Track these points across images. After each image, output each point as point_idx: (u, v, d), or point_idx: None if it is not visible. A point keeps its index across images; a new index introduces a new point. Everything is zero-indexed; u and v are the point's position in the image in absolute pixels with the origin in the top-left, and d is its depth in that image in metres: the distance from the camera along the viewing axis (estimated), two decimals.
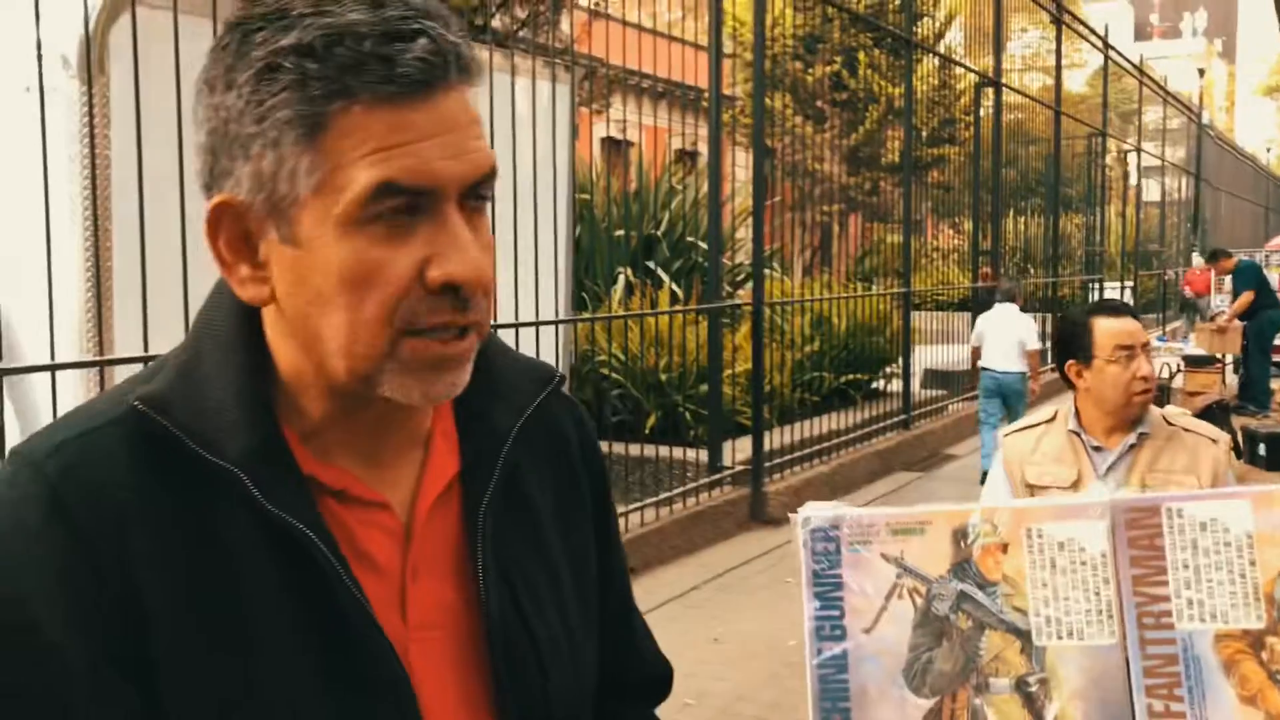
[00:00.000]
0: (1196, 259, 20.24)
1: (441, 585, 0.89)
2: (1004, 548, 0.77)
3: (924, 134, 16.64)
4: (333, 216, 0.79)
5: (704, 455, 7.56)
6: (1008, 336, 8.14)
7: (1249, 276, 12.20)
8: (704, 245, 10.31)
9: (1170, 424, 2.64)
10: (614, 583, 1.06)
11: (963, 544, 0.78)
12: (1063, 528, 0.76)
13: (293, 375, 0.86)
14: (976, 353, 8.48)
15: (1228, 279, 12.46)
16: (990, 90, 12.66)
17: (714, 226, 7.58)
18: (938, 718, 0.74)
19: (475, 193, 0.83)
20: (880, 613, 0.78)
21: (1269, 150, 54.29)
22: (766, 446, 7.72)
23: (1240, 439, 8.12)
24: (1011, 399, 8.16)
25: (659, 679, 1.14)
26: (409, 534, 0.89)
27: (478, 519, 0.90)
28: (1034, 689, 0.74)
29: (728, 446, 7.63)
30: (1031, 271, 19.70)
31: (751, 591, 6.14)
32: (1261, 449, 8.04)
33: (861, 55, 18.48)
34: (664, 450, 7.43)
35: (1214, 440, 2.60)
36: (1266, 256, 15.76)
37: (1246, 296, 11.42)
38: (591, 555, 1.02)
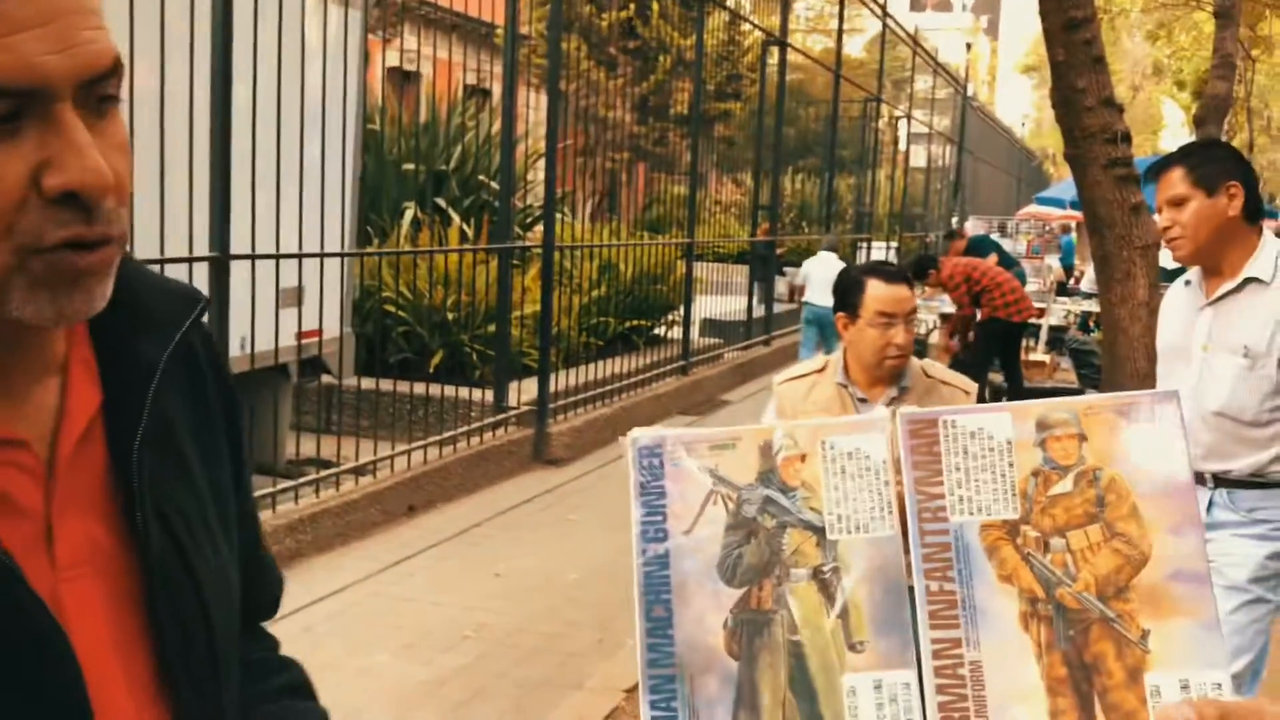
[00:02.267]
0: (954, 223, 21.54)
1: (90, 523, 0.83)
2: (802, 458, 0.89)
3: (711, 88, 17.01)
4: None
5: (489, 395, 7.60)
6: (827, 277, 9.03)
7: (985, 247, 13.15)
8: (494, 185, 10.28)
9: (929, 376, 2.87)
10: (246, 506, 1.03)
11: (767, 456, 0.89)
12: (851, 439, 0.89)
13: None
14: (799, 290, 10.52)
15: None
16: (776, 49, 13.04)
17: (506, 165, 7.57)
18: (746, 603, 0.86)
19: (97, 92, 0.74)
20: (697, 517, 0.88)
21: (1023, 124, 58.07)
22: (551, 388, 7.83)
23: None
24: (826, 329, 9.48)
25: (276, 599, 1.13)
26: (51, 471, 0.81)
27: (131, 456, 0.84)
28: (828, 576, 0.86)
29: (513, 387, 7.70)
30: (805, 228, 20.50)
31: (533, 529, 6.26)
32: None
33: (654, 4, 18.64)
34: (448, 390, 7.43)
35: (966, 391, 2.85)
36: (1017, 224, 16.97)
37: (993, 259, 12.25)
38: (230, 484, 0.97)
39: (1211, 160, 2.91)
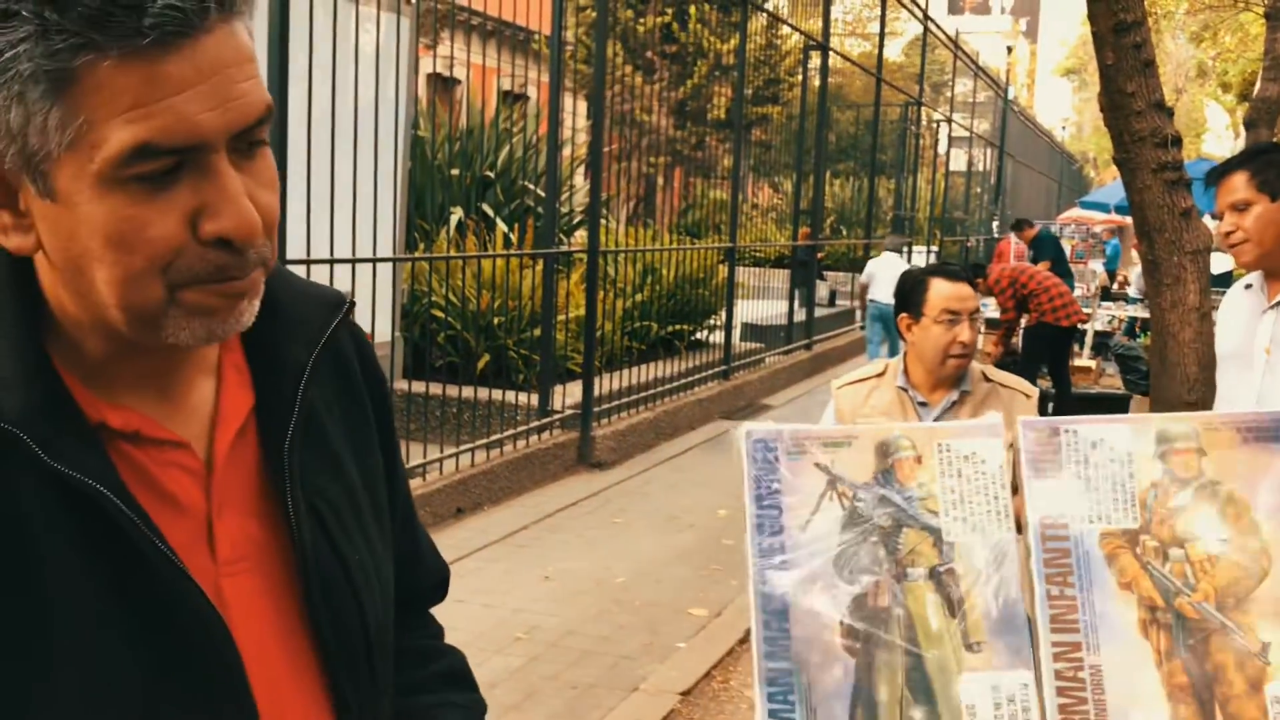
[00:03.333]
0: (995, 227, 21.40)
1: (246, 520, 0.88)
2: (919, 459, 0.90)
3: (749, 92, 17.02)
4: (88, 174, 0.74)
5: (533, 399, 7.64)
6: (892, 276, 9.10)
7: (1048, 246, 13.12)
8: (536, 189, 10.33)
9: (989, 380, 2.88)
10: (399, 494, 1.07)
11: (883, 456, 0.90)
12: (967, 444, 0.91)
13: (70, 320, 0.82)
14: (865, 289, 10.94)
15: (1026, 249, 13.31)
16: (816, 53, 13.03)
17: (552, 170, 7.62)
18: (864, 601, 0.87)
19: (248, 138, 0.79)
20: (814, 512, 0.89)
21: (1063, 128, 57.59)
22: (595, 392, 7.87)
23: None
24: (890, 326, 9.87)
25: (441, 583, 1.17)
26: (210, 469, 0.87)
27: (282, 456, 0.89)
28: (945, 577, 0.88)
29: (557, 390, 7.74)
30: (844, 232, 20.44)
31: (580, 531, 6.29)
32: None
33: (693, 9, 18.68)
34: (494, 393, 7.49)
35: (1027, 395, 2.85)
36: (1060, 229, 16.85)
37: (1045, 265, 12.26)
38: (382, 474, 1.02)
39: (1275, 165, 2.89)
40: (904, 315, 2.85)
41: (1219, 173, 2.97)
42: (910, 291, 2.85)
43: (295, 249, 5.29)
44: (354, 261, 5.70)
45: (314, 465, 0.92)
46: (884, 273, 10.43)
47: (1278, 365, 2.91)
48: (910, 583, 0.88)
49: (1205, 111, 42.17)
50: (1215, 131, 44.57)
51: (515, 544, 6.03)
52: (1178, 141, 5.58)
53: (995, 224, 22.92)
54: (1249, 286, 3.07)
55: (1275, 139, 13.31)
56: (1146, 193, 5.44)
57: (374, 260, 5.88)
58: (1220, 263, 8.07)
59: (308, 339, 0.93)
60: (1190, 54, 32.05)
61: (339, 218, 5.61)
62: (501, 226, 9.17)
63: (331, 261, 5.54)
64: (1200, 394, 5.46)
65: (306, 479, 0.90)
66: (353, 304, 0.99)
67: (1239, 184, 2.87)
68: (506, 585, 5.35)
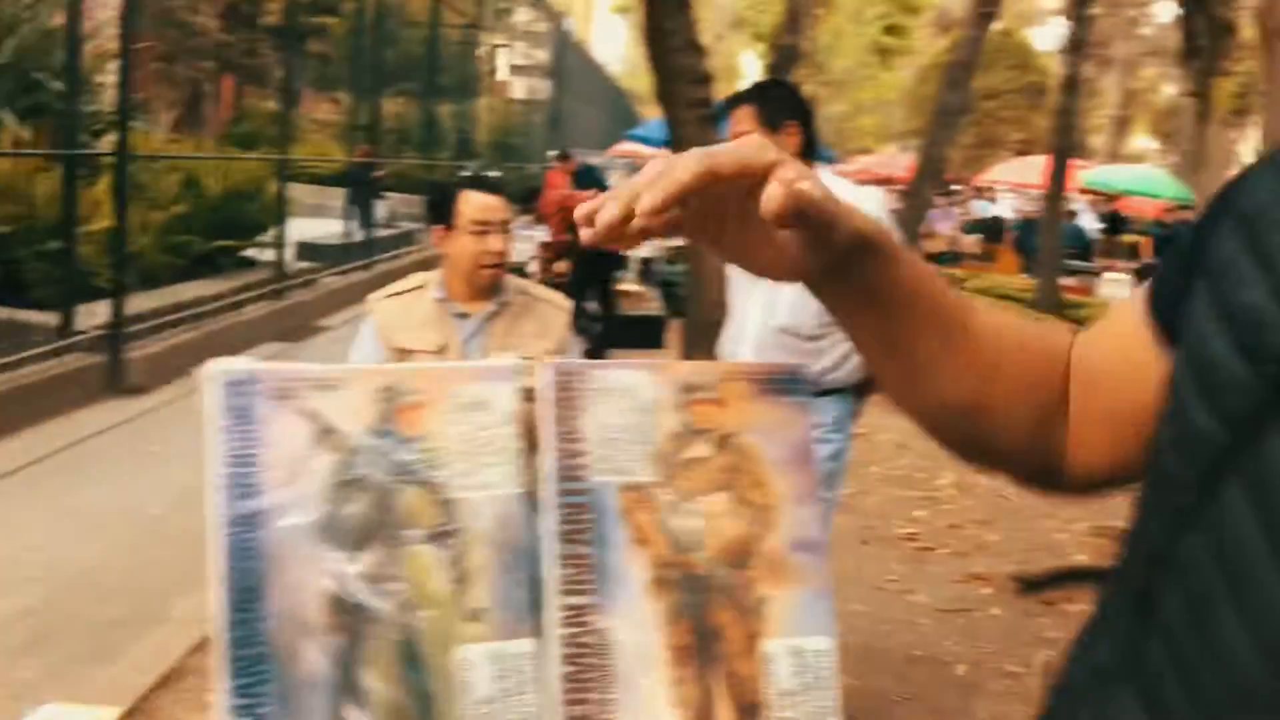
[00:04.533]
0: (552, 156, 22.04)
1: None
2: (422, 406, 0.79)
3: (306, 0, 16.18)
4: None
5: (54, 318, 6.91)
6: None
7: (585, 177, 13.67)
8: (56, 84, 9.24)
9: (525, 294, 2.96)
10: None
11: (383, 402, 0.79)
12: (478, 389, 0.81)
13: None
14: None
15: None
16: None
17: (71, 64, 6.84)
18: (354, 570, 0.76)
19: None
20: (297, 469, 0.76)
21: (619, 65, 60.20)
22: (128, 311, 7.25)
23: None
24: None
25: None
26: None
27: None
28: (446, 538, 0.78)
29: (83, 310, 7.05)
30: (406, 153, 20.18)
31: (110, 462, 5.80)
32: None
33: None
34: (6, 312, 6.69)
35: (562, 309, 2.97)
36: (611, 161, 17.64)
37: (594, 193, 12.77)
38: None
39: (775, 99, 3.19)
40: (438, 227, 2.86)
41: (729, 105, 3.24)
42: (442, 202, 2.86)
43: None
44: None
45: None
46: None
47: (776, 285, 3.22)
48: (407, 547, 0.78)
49: (741, 59, 45.80)
50: (750, 78, 48.57)
51: (30, 477, 5.46)
52: (710, 79, 6.01)
53: (553, 153, 23.60)
54: None
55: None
56: (684, 128, 5.83)
57: None
58: None
59: None
60: (729, 3, 34.62)
61: None
62: (10, 123, 8.13)
63: None
64: (724, 315, 6.03)
65: None
66: None
67: (744, 116, 3.13)
68: (20, 523, 4.83)
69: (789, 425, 0.85)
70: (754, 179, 0.70)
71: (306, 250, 11.64)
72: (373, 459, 0.78)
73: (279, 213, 10.25)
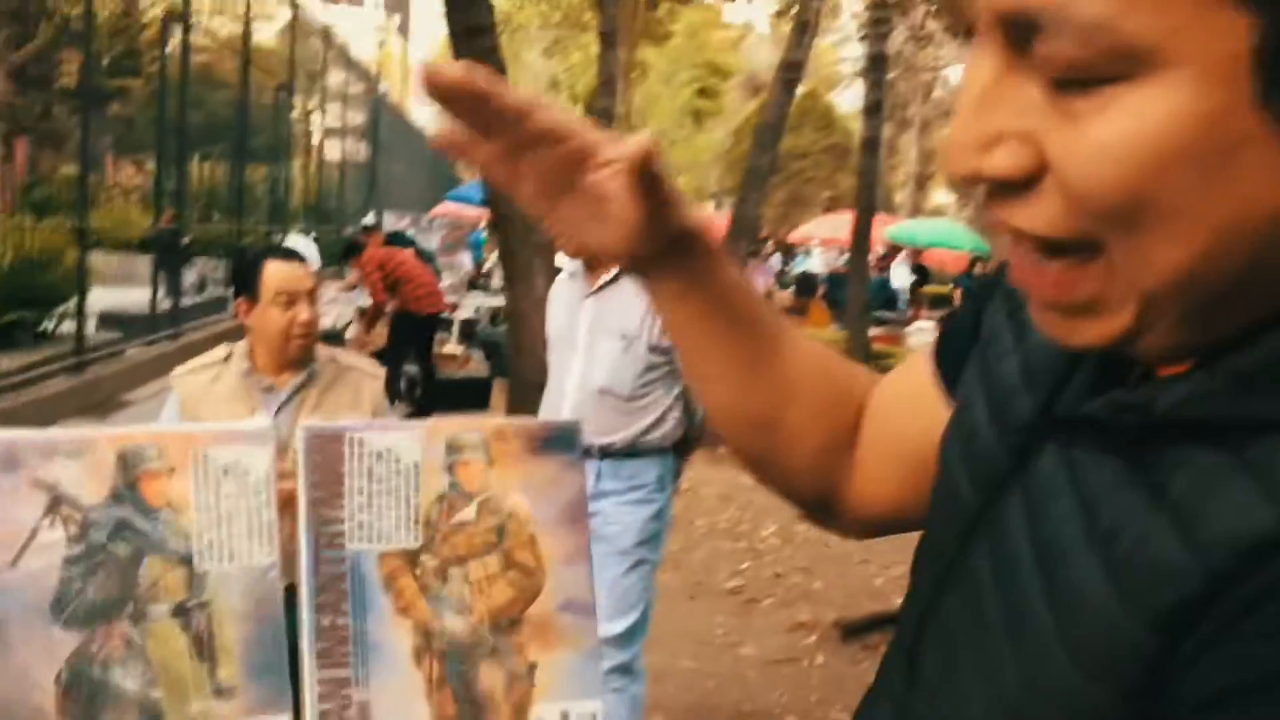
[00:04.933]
0: (370, 218, 21.74)
1: None
2: (171, 471, 0.76)
3: (106, 62, 15.60)
4: None
5: None
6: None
7: (399, 244, 13.44)
8: None
9: (336, 362, 2.89)
10: None
11: (126, 469, 0.75)
12: (230, 451, 0.78)
13: None
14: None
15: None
16: (179, 27, 12.29)
17: None
18: (89, 650, 0.72)
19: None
20: (27, 543, 0.72)
21: (436, 125, 60.06)
22: None
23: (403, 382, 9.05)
24: None
25: None
26: None
27: None
28: (194, 613, 0.75)
29: None
30: (215, 218, 19.56)
31: None
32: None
33: None
34: None
35: (374, 376, 2.91)
36: (430, 221, 17.49)
37: (411, 252, 12.58)
38: None
39: None
40: (241, 300, 2.77)
41: None
42: (245, 274, 2.77)
43: None
44: None
45: None
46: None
47: (594, 347, 3.26)
48: (151, 623, 0.74)
49: None
50: None
51: None
52: None
53: (371, 216, 23.26)
54: (572, 275, 3.42)
55: None
56: (501, 190, 5.85)
57: None
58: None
59: None
60: (546, 66, 34.99)
61: None
62: None
63: None
64: (546, 375, 6.02)
65: None
66: None
67: None
68: None
69: (559, 484, 0.84)
70: (575, 147, 0.73)
71: (109, 321, 11.08)
72: (112, 530, 0.75)
73: (79, 282, 9.75)
